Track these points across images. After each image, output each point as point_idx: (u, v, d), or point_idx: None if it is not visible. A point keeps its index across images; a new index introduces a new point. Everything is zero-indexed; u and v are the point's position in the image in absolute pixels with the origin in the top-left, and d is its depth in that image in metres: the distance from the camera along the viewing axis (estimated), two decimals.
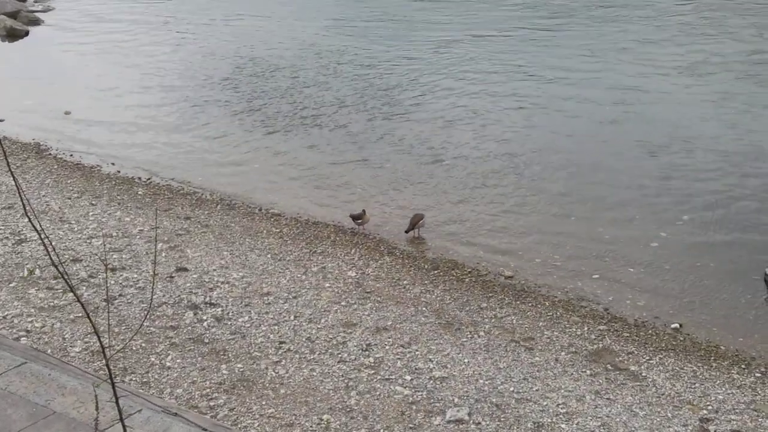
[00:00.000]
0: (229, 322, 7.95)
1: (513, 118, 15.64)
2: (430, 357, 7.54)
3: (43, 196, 12.09)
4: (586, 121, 15.28)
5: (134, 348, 7.40)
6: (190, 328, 7.80)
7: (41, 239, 2.87)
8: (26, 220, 10.50)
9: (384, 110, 17.01)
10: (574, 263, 10.07)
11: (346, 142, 15.51)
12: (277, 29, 23.99)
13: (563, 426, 6.53)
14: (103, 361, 6.20)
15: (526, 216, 11.60)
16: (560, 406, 6.84)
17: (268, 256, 10.00)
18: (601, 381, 7.34)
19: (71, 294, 8.22)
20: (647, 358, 7.86)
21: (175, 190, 13.08)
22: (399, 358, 7.48)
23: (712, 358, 7.99)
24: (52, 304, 8.19)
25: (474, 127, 15.29)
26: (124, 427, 3.05)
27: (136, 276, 8.95)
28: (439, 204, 12.28)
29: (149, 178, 13.63)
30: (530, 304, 8.94)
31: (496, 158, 13.93)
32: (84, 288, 8.60)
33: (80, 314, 7.95)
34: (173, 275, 9.10)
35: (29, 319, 7.85)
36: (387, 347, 7.65)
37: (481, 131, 15.10)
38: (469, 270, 9.93)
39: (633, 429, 6.57)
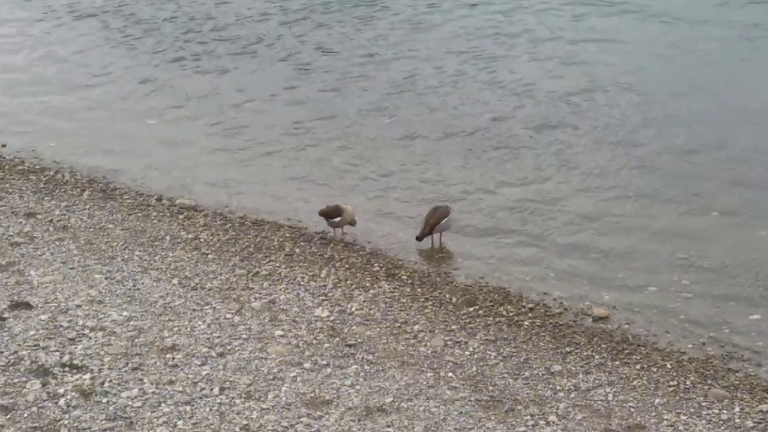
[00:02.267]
0: (106, 400, 7.82)
1: (582, 49, 16.65)
2: None
3: None
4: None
5: None
6: (35, 408, 7.67)
7: None
8: None
9: (372, 40, 18.16)
10: (715, 292, 10.08)
11: (305, 84, 16.38)
12: None
13: None
14: None
15: (626, 210, 11.76)
16: None
17: (174, 281, 10.02)
18: None
19: None
20: None
21: (8, 165, 13.37)
22: None
23: None
24: None
25: (520, 60, 16.35)
26: None
27: None
28: (475, 190, 12.51)
29: None
30: (638, 367, 8.84)
31: (565, 105, 14.52)
32: None
33: None
34: (4, 316, 9.07)
35: None
36: None
37: (529, 66, 16.12)
38: (531, 306, 9.92)
39: None
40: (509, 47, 17.60)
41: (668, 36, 17.64)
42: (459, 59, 17.12)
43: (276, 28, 19.33)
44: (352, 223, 11.28)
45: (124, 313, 9.23)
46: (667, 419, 8.06)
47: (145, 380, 8.11)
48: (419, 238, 11.07)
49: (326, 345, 8.87)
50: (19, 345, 8.57)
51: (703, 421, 8.09)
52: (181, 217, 11.89)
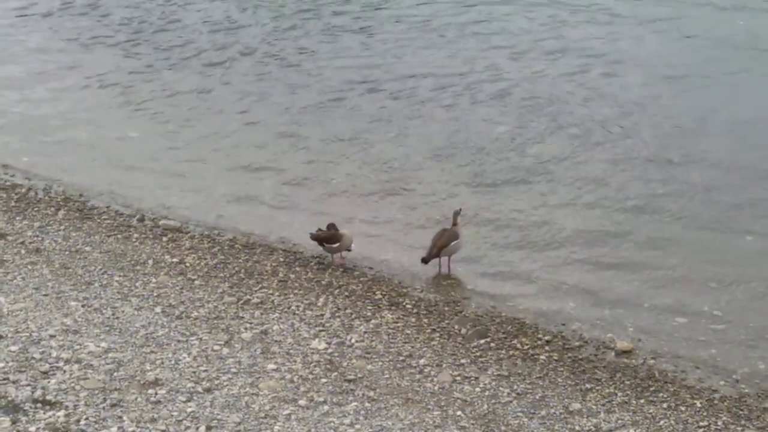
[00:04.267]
0: None
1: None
2: None
3: None
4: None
5: None
6: None
7: None
8: None
9: (368, 49, 18.36)
10: (750, 324, 10.08)
11: (299, 95, 16.52)
12: None
13: None
14: None
15: (652, 234, 11.83)
16: None
17: (157, 309, 9.99)
18: None
19: None
20: None
21: None
22: None
23: None
24: None
25: (529, 67, 16.68)
26: None
27: None
28: (486, 210, 12.57)
29: None
30: (665, 406, 8.80)
31: (584, 118, 14.74)
32: None
33: None
34: None
35: None
36: None
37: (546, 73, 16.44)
38: (548, 338, 9.92)
39: None
40: (518, 58, 17.76)
41: (700, 50, 17.71)
42: (462, 68, 17.27)
43: (266, 33, 19.42)
44: (349, 248, 11.29)
45: (102, 344, 9.15)
46: None
47: (125, 418, 8.02)
48: (425, 261, 11.09)
49: (323, 380, 8.82)
50: None
51: None
52: (165, 239, 11.88)
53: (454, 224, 11.15)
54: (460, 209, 11.29)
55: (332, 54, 18.35)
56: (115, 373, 8.69)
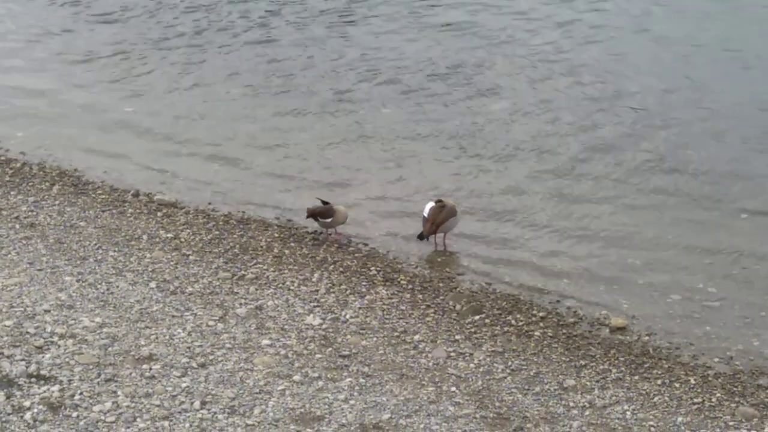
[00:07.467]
0: (76, 414, 7.75)
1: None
2: None
3: None
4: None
5: None
6: None
7: None
8: None
9: (365, 27, 18.45)
10: (744, 301, 10.10)
11: (295, 71, 16.53)
12: None
13: None
14: None
15: (647, 211, 11.89)
16: None
17: (152, 284, 10.02)
18: None
19: None
20: None
21: None
22: None
23: None
24: None
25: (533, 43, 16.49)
26: None
27: None
28: (481, 187, 12.59)
29: None
30: (659, 382, 8.83)
31: (580, 95, 14.72)
32: None
33: None
34: None
35: None
36: None
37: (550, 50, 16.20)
38: (542, 315, 9.93)
39: None
40: (519, 36, 17.73)
41: (701, 28, 17.68)
42: (457, 50, 17.27)
43: (263, 15, 19.41)
44: (343, 223, 11.29)
45: (97, 319, 9.18)
46: None
47: (120, 393, 8.06)
48: (423, 237, 11.05)
49: (318, 356, 8.84)
50: None
51: None
52: (159, 214, 11.88)
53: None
54: (453, 209, 11.08)
55: (330, 37, 18.33)
56: (110, 348, 8.72)
